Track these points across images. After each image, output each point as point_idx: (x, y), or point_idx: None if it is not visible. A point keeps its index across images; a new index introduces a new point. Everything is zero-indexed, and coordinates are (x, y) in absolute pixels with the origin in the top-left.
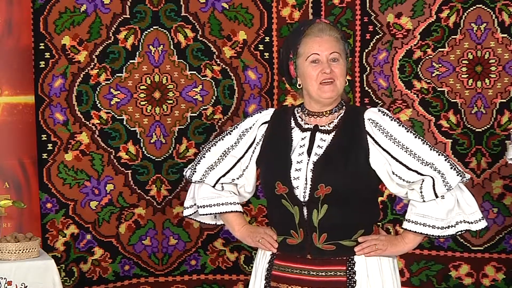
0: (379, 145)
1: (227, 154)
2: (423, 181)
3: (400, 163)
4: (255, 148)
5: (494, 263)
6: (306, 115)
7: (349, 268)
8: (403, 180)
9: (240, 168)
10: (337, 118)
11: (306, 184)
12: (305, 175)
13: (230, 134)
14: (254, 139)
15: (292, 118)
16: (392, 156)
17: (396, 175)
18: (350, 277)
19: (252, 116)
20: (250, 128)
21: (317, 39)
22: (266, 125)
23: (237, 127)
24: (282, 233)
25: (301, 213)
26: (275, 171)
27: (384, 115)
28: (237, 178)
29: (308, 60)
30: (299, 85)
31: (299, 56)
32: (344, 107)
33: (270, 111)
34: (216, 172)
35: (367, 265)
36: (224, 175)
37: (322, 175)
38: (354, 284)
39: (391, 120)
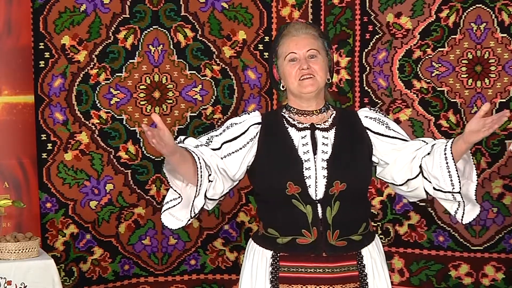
0: (381, 134)
1: (211, 140)
2: None
3: (402, 139)
4: (247, 143)
5: (493, 262)
6: (295, 114)
7: (359, 262)
8: (412, 146)
9: (222, 149)
10: (330, 117)
11: (317, 182)
12: (315, 173)
13: (214, 130)
14: (244, 133)
15: (283, 119)
16: (394, 137)
17: (404, 149)
18: (361, 271)
19: (239, 116)
20: (240, 123)
21: (293, 38)
22: (259, 126)
23: (221, 126)
24: (290, 234)
25: (315, 211)
26: (286, 172)
27: (377, 112)
28: (217, 149)
29: (287, 60)
30: (283, 87)
31: (279, 57)
32: (331, 108)
33: (258, 113)
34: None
35: (371, 257)
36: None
37: (338, 172)
38: (366, 277)
39: (385, 116)
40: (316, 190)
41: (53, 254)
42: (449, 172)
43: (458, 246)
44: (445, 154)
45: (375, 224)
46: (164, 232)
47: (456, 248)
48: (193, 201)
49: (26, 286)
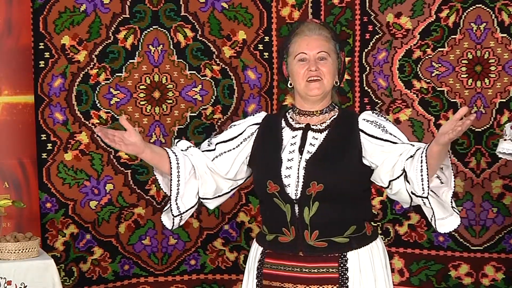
0: (374, 137)
1: (211, 141)
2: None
3: (392, 142)
4: (240, 143)
5: (493, 262)
6: (297, 114)
7: (341, 265)
8: (400, 149)
9: (216, 149)
10: (329, 119)
11: (298, 182)
12: (296, 173)
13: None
14: (241, 133)
15: (283, 119)
16: (383, 139)
17: (393, 152)
18: (342, 274)
19: (246, 118)
20: (239, 124)
21: (305, 38)
22: (257, 126)
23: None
24: (274, 231)
25: (293, 211)
26: (266, 170)
27: (378, 115)
28: (211, 151)
29: (296, 59)
30: (290, 84)
31: (289, 55)
32: (336, 109)
33: (263, 114)
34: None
35: (360, 262)
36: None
37: (314, 173)
38: (347, 281)
39: (386, 120)
40: (296, 190)
41: (53, 254)
42: (421, 175)
43: (458, 246)
44: (421, 157)
45: (375, 224)
46: (164, 232)
47: (456, 248)
48: (176, 199)
49: (26, 286)
